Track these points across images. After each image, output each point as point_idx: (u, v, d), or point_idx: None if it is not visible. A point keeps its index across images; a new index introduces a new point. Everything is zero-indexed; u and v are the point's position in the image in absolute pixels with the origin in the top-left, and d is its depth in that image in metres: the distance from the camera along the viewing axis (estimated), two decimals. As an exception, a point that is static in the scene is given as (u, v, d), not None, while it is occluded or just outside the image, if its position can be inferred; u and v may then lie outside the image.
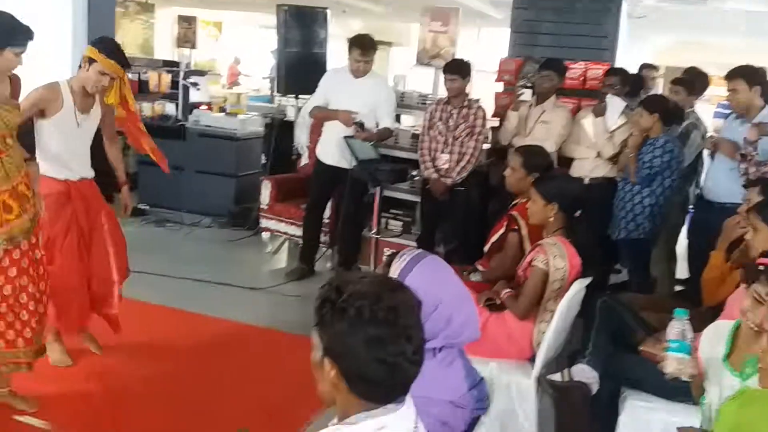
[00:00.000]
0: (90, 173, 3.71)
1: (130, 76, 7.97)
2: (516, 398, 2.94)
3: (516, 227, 3.50)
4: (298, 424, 3.25)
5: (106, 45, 3.49)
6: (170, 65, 9.04)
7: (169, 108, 8.47)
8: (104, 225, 3.72)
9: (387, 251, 5.30)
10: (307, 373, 3.78)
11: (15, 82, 3.15)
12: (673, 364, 2.18)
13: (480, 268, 3.67)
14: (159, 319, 4.49)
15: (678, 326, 2.22)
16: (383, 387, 1.34)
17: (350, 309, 1.30)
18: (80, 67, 3.46)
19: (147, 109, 8.27)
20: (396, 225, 5.49)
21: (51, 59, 5.47)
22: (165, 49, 14.41)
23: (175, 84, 8.56)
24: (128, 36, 12.75)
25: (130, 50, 12.34)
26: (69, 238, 3.53)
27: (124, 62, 3.51)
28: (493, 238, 3.65)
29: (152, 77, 8.40)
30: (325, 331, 1.34)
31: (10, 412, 3.14)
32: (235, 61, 16.27)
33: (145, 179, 7.15)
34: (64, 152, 3.53)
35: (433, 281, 1.75)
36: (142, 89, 8.23)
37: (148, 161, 7.00)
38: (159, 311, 4.59)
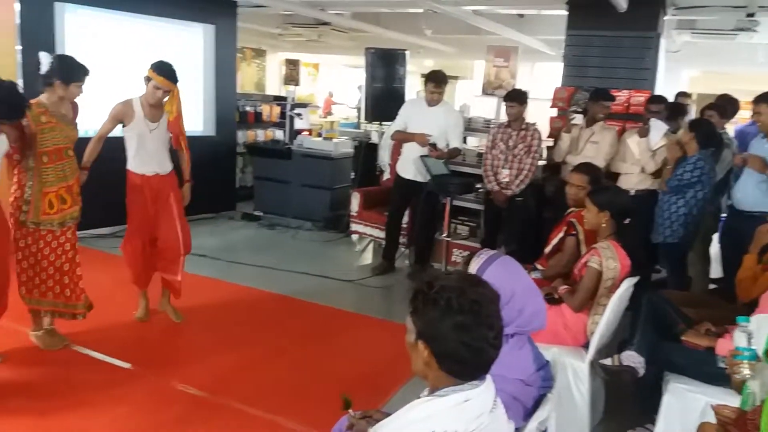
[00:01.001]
0: (163, 169, 3.82)
1: (248, 108, 8.29)
2: (572, 379, 2.82)
3: (574, 232, 3.37)
4: (386, 392, 3.23)
5: (159, 66, 3.62)
6: (279, 99, 9.25)
7: (278, 134, 8.68)
8: (172, 206, 3.84)
9: (456, 251, 5.25)
10: (389, 351, 3.82)
11: (74, 107, 3.46)
12: (747, 370, 1.97)
13: (539, 267, 3.56)
14: (272, 304, 4.58)
15: (744, 334, 2.02)
16: (468, 366, 1.32)
17: (440, 300, 1.29)
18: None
19: (261, 134, 8.50)
20: (463, 229, 5.41)
21: (190, 93, 5.69)
22: (274, 86, 14.79)
23: (282, 114, 8.77)
24: (245, 76, 13.14)
25: (247, 88, 12.75)
26: (141, 220, 3.80)
27: (173, 78, 3.63)
28: (553, 241, 3.53)
29: (265, 109, 8.62)
30: (418, 317, 1.33)
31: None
32: (329, 94, 16.53)
33: (260, 191, 7.33)
34: (140, 153, 3.72)
35: (507, 277, 1.70)
36: (257, 119, 8.45)
37: (264, 176, 7.24)
38: (272, 297, 4.68)
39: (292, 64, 10.91)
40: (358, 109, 14.03)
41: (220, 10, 6.70)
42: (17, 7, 5.01)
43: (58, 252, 3.37)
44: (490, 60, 6.25)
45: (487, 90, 6.29)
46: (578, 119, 5.18)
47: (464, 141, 5.46)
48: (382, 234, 5.64)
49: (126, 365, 3.42)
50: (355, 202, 6.00)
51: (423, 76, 5.12)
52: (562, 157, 4.85)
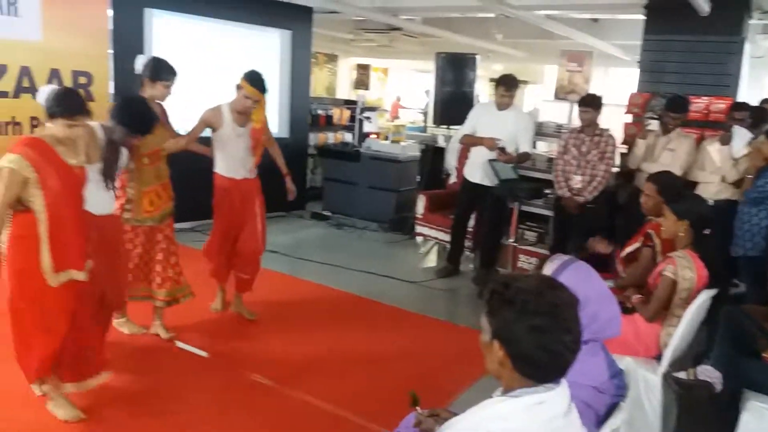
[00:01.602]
0: (249, 174, 3.88)
1: (320, 112, 8.46)
2: (643, 391, 2.72)
3: (651, 243, 3.25)
4: (450, 394, 3.22)
5: (251, 75, 3.67)
6: (349, 103, 9.40)
7: (347, 137, 8.82)
8: (257, 210, 3.93)
9: (522, 257, 5.17)
10: (453, 353, 3.80)
11: (163, 111, 3.55)
12: None
13: (620, 271, 3.45)
14: (339, 300, 4.65)
15: None
16: (544, 369, 1.30)
17: (517, 301, 1.27)
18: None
19: (331, 137, 8.65)
20: (531, 235, 5.30)
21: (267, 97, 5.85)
22: (344, 90, 15.02)
23: (352, 118, 8.90)
24: (317, 81, 13.39)
25: (319, 92, 13.00)
26: (229, 222, 3.87)
27: (262, 89, 3.68)
28: (628, 249, 3.41)
29: (336, 113, 8.77)
30: (493, 318, 1.32)
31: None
32: (397, 99, 16.62)
33: (329, 192, 7.47)
34: (228, 157, 3.79)
35: (582, 282, 1.66)
36: (328, 122, 8.61)
37: (333, 178, 7.37)
38: (339, 294, 4.76)
39: (363, 69, 11.07)
40: (425, 113, 14.04)
41: (297, 16, 6.88)
42: (110, 13, 5.31)
43: (152, 243, 3.51)
44: (563, 64, 6.13)
45: (560, 95, 6.17)
46: (654, 125, 5.00)
47: (534, 146, 5.37)
48: (446, 237, 5.62)
49: (203, 353, 3.57)
50: (421, 204, 6.01)
51: (492, 80, 5.07)
52: (636, 165, 4.69)
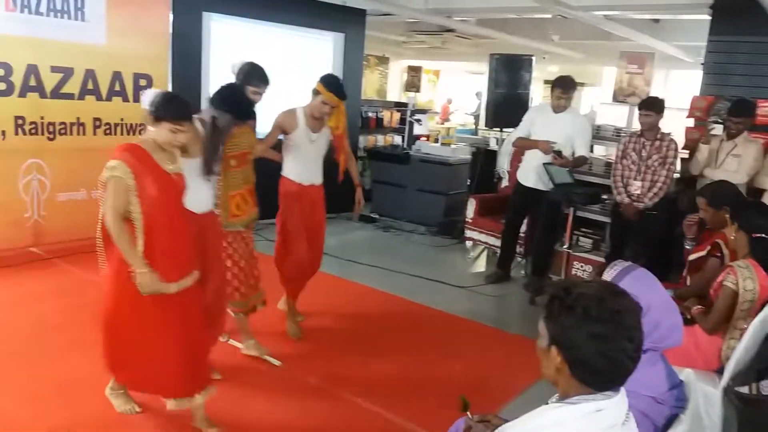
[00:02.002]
0: (318, 180, 3.81)
1: (370, 114, 8.54)
2: (702, 404, 2.63)
3: (719, 254, 3.14)
4: (499, 401, 3.20)
5: (329, 80, 3.60)
6: (399, 105, 9.44)
7: (397, 139, 8.86)
8: (324, 217, 3.92)
9: (577, 264, 5.08)
10: (502, 360, 3.76)
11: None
12: None
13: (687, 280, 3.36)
14: (387, 303, 4.68)
15: None
16: (603, 376, 1.28)
17: (577, 307, 1.26)
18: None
19: (380, 139, 8.72)
20: (586, 242, 5.21)
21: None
22: (395, 92, 15.11)
23: (402, 120, 8.94)
24: (368, 83, 13.53)
25: (369, 94, 13.12)
26: (299, 228, 3.76)
27: (341, 94, 3.59)
28: (692, 257, 3.32)
29: (386, 115, 8.83)
30: (552, 323, 1.31)
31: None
32: (447, 101, 16.59)
33: (378, 194, 7.52)
34: (299, 162, 3.71)
35: (643, 289, 1.63)
36: (378, 124, 8.68)
37: (382, 180, 7.43)
38: (387, 297, 4.79)
39: (414, 71, 11.09)
40: (477, 116, 13.97)
41: (350, 19, 6.97)
42: (170, 17, 5.52)
43: (241, 253, 3.38)
44: (623, 66, 5.99)
45: (619, 97, 6.03)
46: (718, 130, 4.83)
47: (591, 149, 5.27)
48: (497, 242, 5.57)
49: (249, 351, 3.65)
50: (471, 208, 5.98)
51: (548, 82, 5.01)
52: (699, 171, 4.53)
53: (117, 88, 5.16)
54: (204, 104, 3.54)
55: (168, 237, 2.51)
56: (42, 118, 4.78)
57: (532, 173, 4.95)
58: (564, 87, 4.79)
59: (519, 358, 3.77)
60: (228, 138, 3.05)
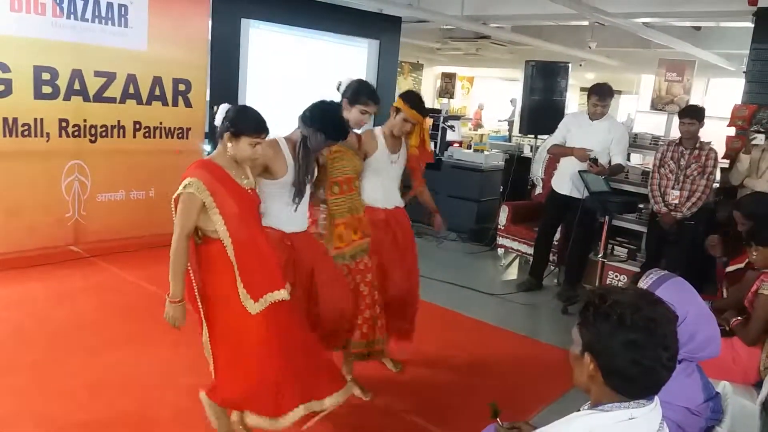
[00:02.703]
0: (401, 202, 3.51)
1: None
2: (739, 418, 2.57)
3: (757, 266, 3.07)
4: (530, 410, 3.17)
5: (410, 97, 3.34)
6: (432, 112, 9.44)
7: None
8: (414, 248, 3.58)
9: (612, 274, 5.01)
10: (533, 369, 3.71)
11: (358, 139, 3.24)
12: None
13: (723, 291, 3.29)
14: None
15: None
16: (637, 385, 1.28)
17: (613, 314, 1.26)
18: (389, 115, 3.36)
19: (412, 145, 8.72)
20: (621, 251, 5.13)
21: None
22: (428, 98, 15.13)
23: (435, 126, 8.93)
24: (402, 90, 13.58)
25: (402, 100, 13.13)
26: (388, 255, 3.36)
27: (424, 111, 3.34)
28: (729, 269, 3.24)
29: (419, 120, 8.83)
30: (586, 330, 1.31)
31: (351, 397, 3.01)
32: (479, 107, 16.54)
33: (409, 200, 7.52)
34: (382, 185, 3.35)
35: (679, 298, 1.61)
36: (410, 130, 8.69)
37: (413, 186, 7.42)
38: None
39: (448, 78, 11.11)
40: (510, 122, 13.88)
41: (386, 26, 7.03)
42: (210, 23, 5.65)
43: (360, 285, 3.11)
44: (661, 74, 5.91)
45: (657, 105, 5.94)
46: (759, 139, 4.72)
47: (628, 157, 5.21)
48: (530, 250, 5.54)
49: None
50: (504, 215, 5.95)
51: (584, 89, 4.98)
52: (739, 181, 4.44)
53: (157, 92, 5.30)
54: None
55: (256, 249, 2.45)
56: (85, 120, 4.95)
57: (567, 181, 4.92)
58: (601, 94, 4.76)
59: (550, 367, 3.74)
60: (331, 161, 2.96)
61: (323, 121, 2.67)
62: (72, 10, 4.73)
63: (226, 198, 2.36)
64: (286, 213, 2.72)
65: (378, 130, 3.35)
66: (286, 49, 6.30)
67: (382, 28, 6.97)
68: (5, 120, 4.53)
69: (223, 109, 2.46)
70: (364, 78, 6.86)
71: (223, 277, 2.40)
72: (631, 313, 1.25)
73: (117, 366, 3.28)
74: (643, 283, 1.73)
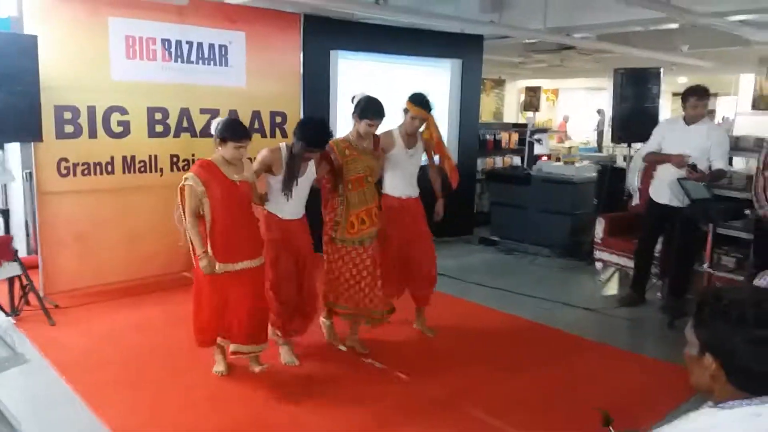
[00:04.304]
0: (415, 193, 4.16)
1: (488, 136, 8.61)
2: None
3: None
4: (638, 425, 3.10)
5: (414, 97, 3.96)
6: (517, 126, 9.42)
7: (515, 160, 8.83)
8: (426, 229, 4.21)
9: (718, 285, 4.79)
10: (640, 384, 3.65)
11: (377, 141, 3.94)
12: None
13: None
14: (511, 325, 4.70)
15: None
16: (762, 381, 1.28)
17: (732, 312, 1.27)
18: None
19: (499, 161, 8.74)
20: (729, 261, 4.89)
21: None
22: (511, 113, 15.05)
23: (521, 141, 8.91)
24: (484, 106, 13.61)
25: (485, 117, 13.19)
26: (402, 235, 4.09)
27: (427, 107, 3.96)
28: None
29: (504, 136, 8.84)
30: (704, 330, 1.32)
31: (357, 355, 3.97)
32: (564, 119, 16.24)
33: (497, 216, 7.52)
34: (398, 177, 4.08)
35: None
36: (495, 146, 8.71)
37: (501, 202, 7.43)
38: (511, 318, 4.80)
39: (533, 91, 11.02)
40: (600, 132, 13.53)
41: (468, 45, 7.13)
42: (301, 56, 5.98)
43: (359, 266, 3.82)
44: (763, 73, 5.62)
45: (759, 105, 5.65)
46: None
47: (730, 162, 4.98)
48: (629, 262, 5.40)
49: (378, 365, 3.86)
50: (600, 228, 5.83)
51: (676, 94, 4.84)
52: None
53: (256, 125, 5.66)
54: (334, 136, 3.88)
55: (227, 228, 3.29)
56: (193, 155, 5.36)
57: (665, 189, 4.78)
58: (699, 95, 4.63)
59: (659, 381, 3.65)
60: (345, 164, 3.72)
61: (303, 132, 3.44)
62: (179, 54, 5.18)
63: (214, 187, 3.23)
64: (282, 203, 3.56)
65: (396, 129, 4.05)
66: (372, 75, 6.53)
67: (464, 47, 7.08)
68: (124, 158, 5.01)
69: (215, 122, 3.32)
70: (448, 97, 7.03)
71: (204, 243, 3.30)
72: (752, 310, 1.25)
73: (231, 379, 3.53)
74: (757, 282, 1.70)
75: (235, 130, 3.28)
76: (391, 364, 3.82)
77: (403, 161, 4.06)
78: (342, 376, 3.70)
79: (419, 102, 3.95)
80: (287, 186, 3.46)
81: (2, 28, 4.88)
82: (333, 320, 4.10)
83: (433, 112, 4.05)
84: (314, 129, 3.49)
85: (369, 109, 3.77)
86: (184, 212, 3.30)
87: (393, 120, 4.05)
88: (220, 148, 3.28)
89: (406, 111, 3.99)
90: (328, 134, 3.58)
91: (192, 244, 3.31)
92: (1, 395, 2.87)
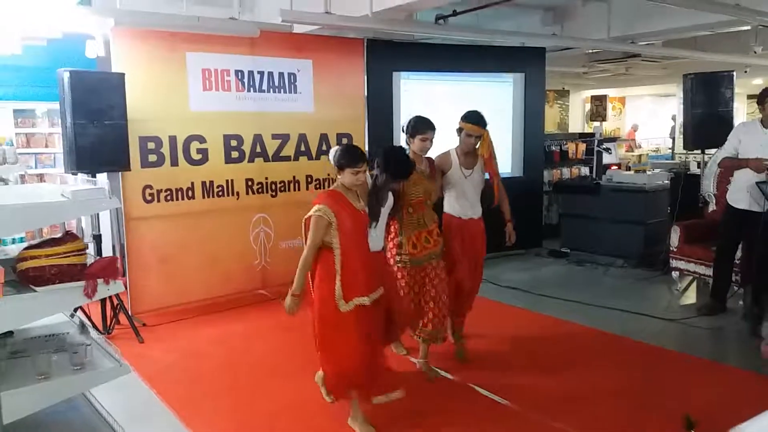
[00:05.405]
0: (477, 214, 4.10)
1: (553, 148, 8.51)
2: None
3: None
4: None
5: (469, 115, 3.93)
6: (584, 136, 9.26)
7: (583, 170, 8.68)
8: (480, 250, 4.15)
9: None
10: (724, 395, 3.53)
11: (430, 163, 3.93)
12: None
13: None
14: (588, 337, 4.61)
15: None
16: None
17: None
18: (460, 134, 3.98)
19: (566, 172, 8.61)
20: (816, 266, 4.63)
21: (500, 138, 6.10)
22: (577, 123, 14.77)
23: (588, 151, 8.75)
24: (548, 117, 13.44)
25: (549, 128, 13.01)
26: (458, 254, 4.02)
27: (482, 123, 3.92)
28: None
29: (570, 147, 8.72)
30: None
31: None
32: (633, 127, 15.79)
33: (567, 228, 7.40)
34: (458, 198, 4.04)
35: None
36: (562, 157, 8.60)
37: (571, 213, 7.32)
38: (588, 331, 4.72)
39: (599, 100, 10.82)
40: (673, 139, 13.08)
41: (530, 58, 7.10)
42: (365, 79, 6.16)
43: (427, 286, 3.81)
44: None
45: None
46: None
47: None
48: (708, 271, 5.21)
49: (452, 377, 3.88)
50: (675, 236, 5.65)
51: (751, 96, 4.67)
52: None
53: (324, 148, 5.85)
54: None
55: (358, 259, 3.11)
56: (266, 178, 5.61)
57: (744, 194, 4.61)
58: (777, 95, 4.44)
59: (742, 391, 3.54)
60: (407, 186, 3.64)
61: (387, 163, 3.32)
62: (251, 84, 5.45)
63: (345, 218, 3.06)
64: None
65: (453, 150, 4.04)
66: (434, 93, 6.63)
67: (526, 61, 7.07)
68: (203, 183, 5.30)
69: (332, 151, 3.20)
70: (512, 111, 7.03)
71: (328, 280, 3.07)
72: None
73: (307, 389, 3.62)
74: None
75: (351, 156, 3.11)
76: (494, 388, 3.71)
77: (461, 181, 4.01)
78: (417, 392, 3.65)
79: (472, 119, 3.92)
80: (372, 215, 3.29)
81: (90, 69, 5.31)
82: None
83: (489, 128, 3.98)
84: (397, 160, 3.40)
85: (418, 124, 3.80)
86: (305, 244, 3.10)
87: (453, 140, 4.05)
88: (339, 175, 3.15)
89: (459, 131, 3.96)
90: (411, 163, 3.53)
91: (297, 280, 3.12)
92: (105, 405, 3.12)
